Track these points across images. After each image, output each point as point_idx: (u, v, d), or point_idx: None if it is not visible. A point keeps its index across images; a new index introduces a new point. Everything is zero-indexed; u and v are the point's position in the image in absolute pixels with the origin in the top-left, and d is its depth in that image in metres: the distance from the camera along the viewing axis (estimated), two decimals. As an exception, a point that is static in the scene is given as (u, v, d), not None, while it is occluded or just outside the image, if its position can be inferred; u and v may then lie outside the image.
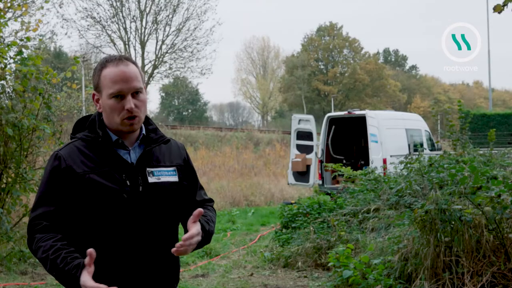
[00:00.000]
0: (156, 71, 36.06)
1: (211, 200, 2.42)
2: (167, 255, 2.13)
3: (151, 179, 2.14)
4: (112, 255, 2.06)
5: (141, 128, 2.19)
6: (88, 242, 2.04)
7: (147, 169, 2.15)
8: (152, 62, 35.68)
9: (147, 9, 35.27)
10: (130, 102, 2.08)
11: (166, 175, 2.19)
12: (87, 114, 2.29)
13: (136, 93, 2.11)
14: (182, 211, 2.26)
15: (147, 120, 2.24)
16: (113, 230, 2.07)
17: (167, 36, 35.58)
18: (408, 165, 7.72)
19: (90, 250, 1.90)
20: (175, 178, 2.21)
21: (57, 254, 1.97)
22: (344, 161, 13.41)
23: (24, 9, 9.24)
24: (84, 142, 2.13)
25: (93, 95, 2.17)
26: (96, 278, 2.00)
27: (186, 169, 2.29)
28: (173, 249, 2.02)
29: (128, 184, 2.09)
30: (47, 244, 2.00)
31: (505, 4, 5.05)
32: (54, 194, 2.08)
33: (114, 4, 34.61)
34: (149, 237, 2.11)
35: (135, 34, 35.53)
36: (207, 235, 2.16)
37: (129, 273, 2.09)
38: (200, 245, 2.13)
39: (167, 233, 2.18)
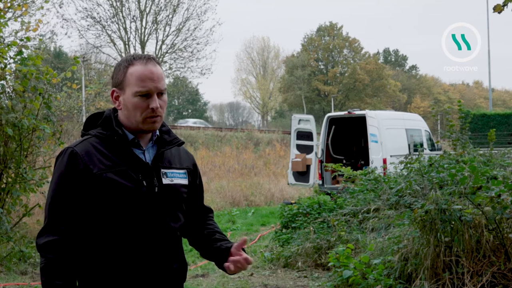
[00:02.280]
0: (156, 71, 35.96)
1: (211, 210, 2.45)
2: (177, 254, 2.18)
3: (165, 180, 2.15)
4: (124, 254, 2.06)
5: None
6: (99, 241, 2.05)
7: (161, 170, 2.15)
8: (152, 62, 35.57)
9: (147, 9, 35.25)
10: (156, 102, 2.08)
11: (178, 177, 2.20)
12: (98, 111, 2.26)
13: (161, 93, 2.11)
14: (188, 214, 2.30)
15: None
16: (127, 229, 2.06)
17: (167, 36, 35.59)
18: (408, 165, 7.72)
19: None
20: (185, 181, 2.23)
21: None
22: (344, 161, 13.41)
23: (24, 9, 9.24)
24: (98, 139, 2.11)
25: (112, 91, 2.15)
26: (107, 277, 2.04)
27: (194, 173, 2.32)
28: (233, 265, 2.17)
29: (145, 184, 2.09)
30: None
31: (505, 4, 5.06)
32: (71, 197, 2.04)
33: (114, 4, 34.59)
34: (161, 237, 2.12)
35: (135, 34, 35.53)
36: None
37: (140, 272, 2.08)
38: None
39: (177, 234, 2.20)
